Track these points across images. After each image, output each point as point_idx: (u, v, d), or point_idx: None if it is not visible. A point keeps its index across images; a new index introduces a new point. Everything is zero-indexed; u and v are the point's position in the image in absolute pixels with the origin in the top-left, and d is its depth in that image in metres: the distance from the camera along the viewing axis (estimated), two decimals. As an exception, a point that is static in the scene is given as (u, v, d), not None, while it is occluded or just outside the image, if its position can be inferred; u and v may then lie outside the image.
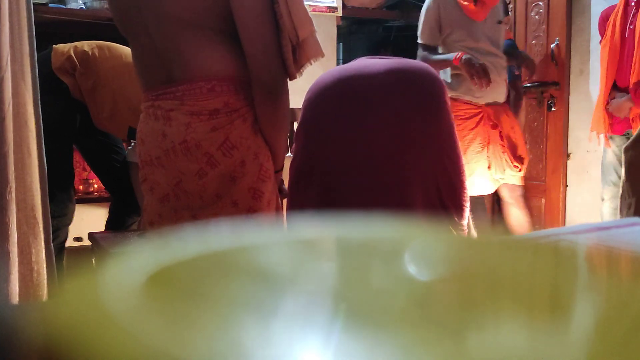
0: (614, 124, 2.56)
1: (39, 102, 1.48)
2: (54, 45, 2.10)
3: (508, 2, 3.16)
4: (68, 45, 2.11)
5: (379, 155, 1.30)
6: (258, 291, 0.25)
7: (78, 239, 2.77)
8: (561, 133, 3.16)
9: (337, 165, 1.32)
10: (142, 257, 0.27)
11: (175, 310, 0.22)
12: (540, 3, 3.18)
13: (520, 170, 2.62)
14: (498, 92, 2.59)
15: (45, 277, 1.45)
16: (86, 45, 2.11)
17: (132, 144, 2.22)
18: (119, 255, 0.28)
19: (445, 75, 2.63)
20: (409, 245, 0.32)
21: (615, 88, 2.52)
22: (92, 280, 0.24)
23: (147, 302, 0.23)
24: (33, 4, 1.50)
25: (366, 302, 0.24)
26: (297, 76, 1.25)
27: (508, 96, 2.74)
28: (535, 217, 2.99)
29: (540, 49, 3.19)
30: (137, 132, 1.26)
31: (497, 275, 0.29)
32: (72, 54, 2.06)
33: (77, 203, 2.26)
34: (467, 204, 1.39)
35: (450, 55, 2.50)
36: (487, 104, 2.58)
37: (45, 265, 1.45)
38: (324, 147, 1.35)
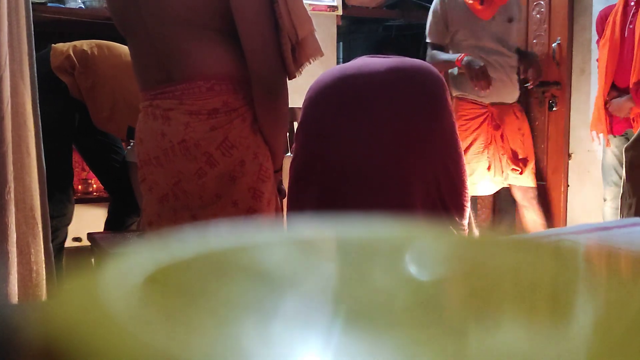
0: (613, 124, 2.57)
1: (38, 101, 1.47)
2: (53, 45, 2.10)
3: None
4: (67, 44, 2.11)
5: (380, 155, 1.30)
6: (258, 292, 0.24)
7: (77, 239, 2.76)
8: (562, 133, 3.15)
9: (337, 165, 1.32)
10: (142, 257, 0.27)
11: (175, 310, 0.22)
12: (542, 2, 3.18)
13: (521, 173, 2.61)
14: (505, 92, 2.57)
15: (45, 277, 1.45)
16: (85, 44, 2.11)
17: (132, 143, 2.22)
18: (118, 255, 0.27)
19: (452, 74, 2.63)
20: (409, 245, 0.32)
21: (614, 88, 2.53)
22: (92, 280, 0.24)
23: (146, 302, 0.22)
24: (32, 3, 1.50)
25: (366, 302, 0.24)
26: (297, 75, 1.25)
27: (521, 96, 2.72)
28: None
29: (541, 49, 3.19)
30: (135, 132, 1.26)
31: (498, 275, 0.29)
32: (71, 53, 2.06)
33: (76, 203, 2.26)
34: (468, 204, 1.39)
35: (454, 56, 2.51)
36: (493, 104, 2.57)
37: (44, 266, 1.45)
38: (324, 147, 1.35)
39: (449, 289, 0.27)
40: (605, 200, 2.64)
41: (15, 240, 1.34)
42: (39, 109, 1.48)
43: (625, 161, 1.52)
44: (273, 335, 0.20)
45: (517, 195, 2.70)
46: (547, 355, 0.19)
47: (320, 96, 1.37)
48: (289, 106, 1.27)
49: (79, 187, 2.95)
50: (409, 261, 0.29)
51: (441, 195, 1.32)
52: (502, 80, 2.55)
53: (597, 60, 2.62)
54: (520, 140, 2.64)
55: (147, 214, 1.24)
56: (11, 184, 1.33)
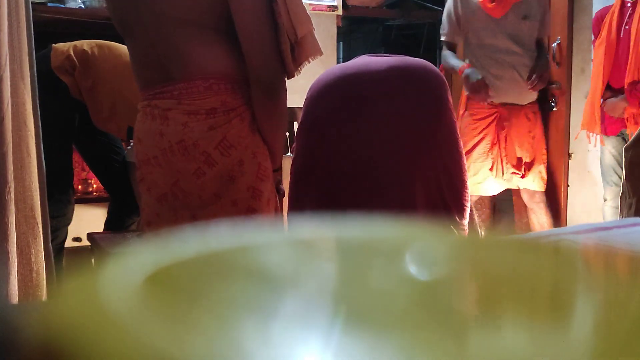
0: (609, 125, 2.58)
1: (38, 101, 1.48)
2: (53, 45, 2.10)
3: None
4: (68, 44, 2.11)
5: (381, 155, 1.30)
6: (258, 292, 0.24)
7: (77, 239, 2.76)
8: (562, 132, 3.15)
9: (338, 165, 1.32)
10: (141, 257, 0.27)
11: (175, 310, 0.22)
12: (542, 2, 3.17)
13: (523, 177, 2.60)
14: (516, 93, 2.52)
15: (45, 277, 1.45)
16: (86, 44, 2.11)
17: (132, 143, 2.23)
18: (118, 255, 0.27)
19: (465, 72, 2.62)
20: (409, 245, 0.32)
21: (608, 88, 2.53)
22: (91, 280, 0.24)
23: (146, 302, 0.22)
24: (32, 3, 1.50)
25: (367, 302, 0.24)
26: (296, 74, 1.25)
27: (540, 97, 2.67)
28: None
29: (541, 48, 3.19)
30: (134, 132, 1.26)
31: (498, 275, 0.29)
32: (72, 53, 2.07)
33: (76, 203, 2.27)
34: (469, 204, 1.38)
35: (459, 65, 2.51)
36: (503, 105, 2.55)
37: (44, 266, 1.45)
38: (325, 146, 1.35)
39: (449, 290, 0.27)
40: (605, 200, 2.64)
41: (15, 240, 1.34)
42: (38, 109, 1.48)
43: (625, 161, 1.52)
44: (273, 335, 0.20)
45: (524, 197, 2.69)
46: (548, 356, 0.19)
47: (321, 95, 1.37)
48: (289, 106, 1.27)
49: (79, 187, 2.95)
50: (409, 261, 0.29)
51: (442, 194, 1.32)
52: (515, 80, 2.50)
53: (593, 60, 2.62)
54: (528, 143, 2.58)
55: (146, 213, 1.24)
56: (11, 184, 1.33)
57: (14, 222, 1.33)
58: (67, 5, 2.70)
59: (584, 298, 0.27)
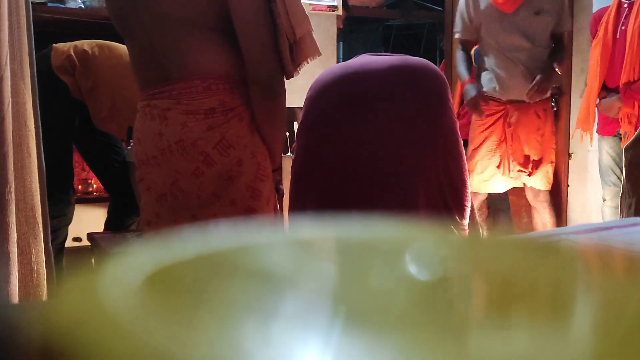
0: (604, 125, 2.58)
1: (38, 101, 1.48)
2: (54, 45, 2.10)
3: None
4: (68, 44, 2.11)
5: (382, 155, 1.30)
6: (258, 292, 0.25)
7: (77, 239, 2.77)
8: (562, 132, 3.16)
9: (338, 164, 1.32)
10: (141, 257, 0.27)
11: (175, 310, 0.22)
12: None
13: (530, 175, 2.59)
14: (525, 90, 2.47)
15: (45, 277, 1.45)
16: (86, 44, 2.12)
17: (132, 143, 2.23)
18: (118, 255, 0.27)
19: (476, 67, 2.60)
20: (409, 245, 0.32)
21: (604, 88, 2.54)
22: (91, 280, 0.24)
23: (146, 302, 0.22)
24: (32, 3, 1.50)
25: (367, 303, 0.24)
26: (295, 75, 1.25)
27: (553, 94, 2.65)
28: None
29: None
30: (133, 132, 1.26)
31: (498, 275, 0.29)
32: (72, 53, 2.07)
33: (76, 203, 2.27)
34: (469, 203, 1.38)
35: (464, 77, 2.51)
36: (511, 102, 2.53)
37: (45, 265, 1.45)
38: (325, 146, 1.34)
39: (449, 290, 0.27)
40: (604, 200, 2.65)
41: (16, 240, 1.34)
42: (38, 109, 1.48)
43: (625, 161, 1.52)
44: (273, 335, 0.20)
45: (529, 195, 2.66)
46: (548, 356, 0.19)
47: (321, 95, 1.37)
48: (288, 106, 1.27)
49: (79, 187, 2.96)
50: (409, 261, 0.29)
51: (443, 194, 1.32)
52: (524, 77, 2.47)
53: (589, 60, 2.62)
54: (537, 141, 2.55)
55: (146, 213, 1.25)
56: (12, 184, 1.33)
57: (14, 222, 1.33)
58: (67, 5, 2.70)
59: (584, 298, 0.27)
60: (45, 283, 1.44)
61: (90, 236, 2.00)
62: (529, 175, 2.57)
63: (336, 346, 0.19)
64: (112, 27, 1.28)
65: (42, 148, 1.49)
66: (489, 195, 2.74)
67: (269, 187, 1.23)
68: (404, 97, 1.31)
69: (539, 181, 2.59)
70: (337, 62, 3.52)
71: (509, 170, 2.58)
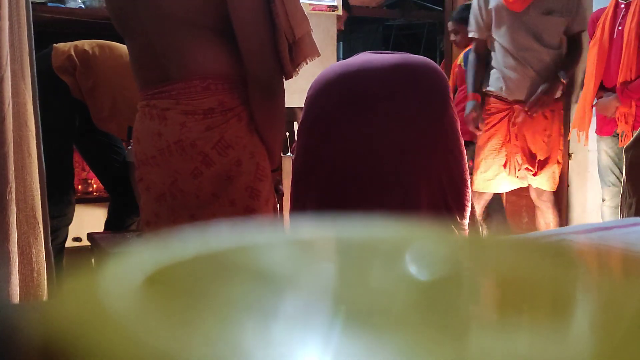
0: (602, 125, 2.58)
1: (38, 101, 1.48)
2: (54, 44, 2.10)
3: None
4: (69, 44, 2.11)
5: (382, 153, 1.29)
6: (258, 292, 0.24)
7: (77, 239, 2.77)
8: (563, 133, 3.15)
9: (339, 164, 1.32)
10: (142, 257, 0.27)
11: (175, 310, 0.22)
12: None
13: (535, 175, 2.58)
14: (532, 91, 2.47)
15: (45, 277, 1.45)
16: (87, 44, 2.12)
17: (132, 143, 2.23)
18: (118, 255, 0.27)
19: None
20: (410, 245, 0.32)
21: (601, 88, 2.54)
22: (92, 280, 0.24)
23: (146, 302, 0.22)
24: (32, 3, 1.50)
25: (367, 303, 0.24)
26: (294, 75, 1.25)
27: (563, 94, 2.61)
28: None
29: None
30: (133, 132, 1.26)
31: (499, 275, 0.29)
32: (73, 53, 2.07)
33: (76, 203, 2.26)
34: (469, 203, 1.38)
35: (470, 87, 2.52)
36: (517, 102, 2.52)
37: (45, 265, 1.45)
38: (326, 145, 1.34)
39: (449, 290, 0.27)
40: (603, 200, 2.65)
41: (16, 240, 1.34)
42: (39, 109, 1.48)
43: (625, 161, 1.52)
44: (273, 335, 0.20)
45: (532, 195, 2.65)
46: (548, 356, 0.19)
47: (321, 93, 1.37)
48: (288, 106, 1.27)
49: (79, 187, 2.96)
50: (409, 261, 0.29)
51: (444, 194, 1.32)
52: (530, 78, 2.47)
53: (587, 60, 2.62)
54: (543, 142, 2.54)
55: (145, 213, 1.25)
56: (12, 184, 1.33)
57: (15, 222, 1.33)
58: (67, 5, 2.70)
59: (584, 298, 0.27)
60: (45, 283, 1.44)
61: (90, 236, 2.00)
62: (534, 175, 2.57)
63: (336, 346, 0.19)
64: (112, 27, 1.28)
65: (42, 148, 1.49)
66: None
67: (268, 187, 1.23)
68: (404, 95, 1.30)
69: (544, 182, 2.59)
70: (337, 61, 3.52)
71: (516, 170, 2.58)
